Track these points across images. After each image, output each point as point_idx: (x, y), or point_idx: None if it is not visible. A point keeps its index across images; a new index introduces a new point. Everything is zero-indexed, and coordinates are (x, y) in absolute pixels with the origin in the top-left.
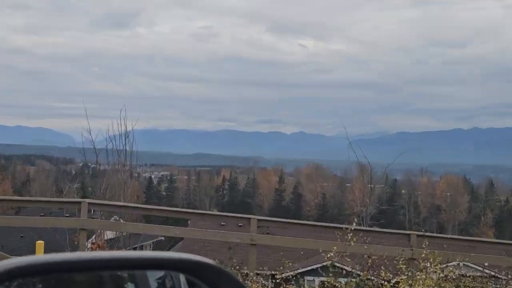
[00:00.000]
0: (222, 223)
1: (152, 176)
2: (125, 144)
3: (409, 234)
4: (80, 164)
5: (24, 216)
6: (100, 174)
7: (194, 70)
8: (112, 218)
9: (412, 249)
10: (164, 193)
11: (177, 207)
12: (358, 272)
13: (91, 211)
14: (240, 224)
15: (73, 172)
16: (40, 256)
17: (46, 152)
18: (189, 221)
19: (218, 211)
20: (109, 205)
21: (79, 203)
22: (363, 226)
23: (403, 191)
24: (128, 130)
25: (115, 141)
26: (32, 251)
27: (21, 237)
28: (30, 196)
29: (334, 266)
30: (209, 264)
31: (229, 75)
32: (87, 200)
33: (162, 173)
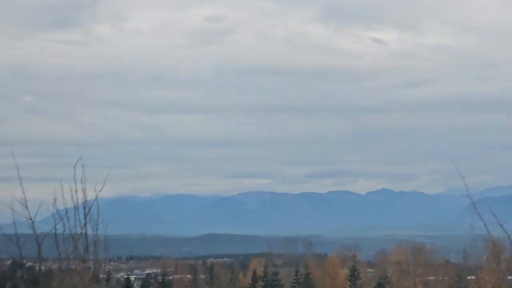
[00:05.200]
0: None
1: (132, 277)
2: (85, 225)
3: None
4: (7, 262)
5: None
6: (45, 277)
7: (194, 93)
8: None
9: None
10: None
11: None
12: None
13: None
14: None
15: None
16: None
17: None
18: None
19: None
20: None
21: None
22: None
23: None
24: (88, 200)
25: (67, 220)
26: None
27: None
28: None
29: None
30: None
31: (252, 98)
32: None
33: (148, 270)
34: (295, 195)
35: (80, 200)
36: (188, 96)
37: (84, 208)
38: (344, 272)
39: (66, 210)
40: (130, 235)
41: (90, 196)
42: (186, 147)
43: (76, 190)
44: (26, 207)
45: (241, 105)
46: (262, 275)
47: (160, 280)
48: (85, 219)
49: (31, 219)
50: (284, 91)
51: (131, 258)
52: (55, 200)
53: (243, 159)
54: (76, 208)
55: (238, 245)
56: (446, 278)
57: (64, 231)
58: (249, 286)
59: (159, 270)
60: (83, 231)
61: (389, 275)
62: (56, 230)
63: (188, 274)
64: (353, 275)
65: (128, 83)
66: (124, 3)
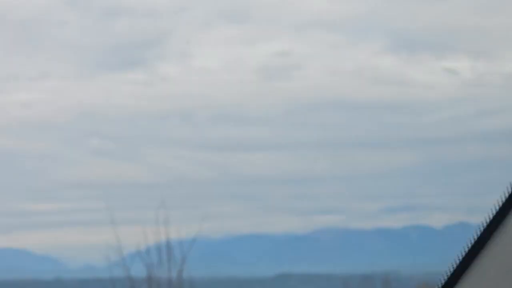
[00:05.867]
0: None
1: None
2: (169, 268)
3: None
4: None
5: None
6: None
7: (263, 130)
8: None
9: None
10: None
11: None
12: None
13: None
14: None
15: None
16: None
17: None
18: None
19: None
20: None
21: None
22: None
23: None
24: (170, 242)
25: (154, 266)
26: None
27: None
28: None
29: None
30: None
31: (322, 133)
32: None
33: None
34: (370, 230)
35: (163, 243)
36: (257, 133)
37: (168, 252)
38: None
39: (148, 253)
40: (202, 278)
41: (162, 238)
42: (255, 185)
43: (158, 233)
44: (122, 255)
45: (311, 141)
46: None
47: None
48: (169, 263)
49: (125, 265)
50: (355, 125)
51: None
52: (134, 244)
53: (314, 195)
54: (159, 250)
55: (313, 284)
56: None
57: (150, 273)
58: None
59: None
60: (169, 275)
61: None
62: (150, 275)
63: None
64: None
65: (195, 122)
66: (191, 41)
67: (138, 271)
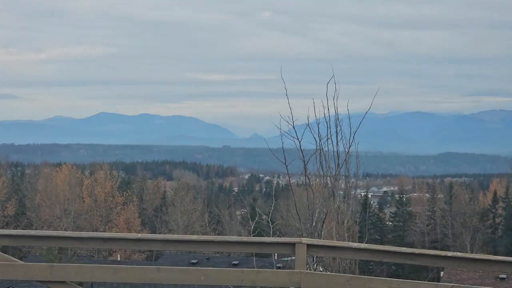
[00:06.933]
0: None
1: (370, 195)
2: (337, 142)
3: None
4: (246, 176)
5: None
6: (281, 194)
7: (433, 8)
8: None
9: None
10: (389, 222)
11: (412, 246)
12: None
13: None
14: None
15: (235, 189)
16: None
17: (189, 157)
18: None
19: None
20: (344, 249)
21: (292, 244)
22: None
23: None
24: (339, 116)
25: (319, 136)
26: None
27: None
28: (168, 232)
29: None
30: None
31: (495, 13)
32: (305, 241)
33: (385, 188)
34: None
35: (332, 116)
36: (427, 11)
37: (336, 126)
38: None
39: (318, 126)
40: (366, 152)
41: (331, 111)
42: (424, 64)
43: (328, 106)
44: (293, 127)
45: (482, 21)
46: (503, 196)
47: (398, 198)
48: (336, 137)
49: (297, 139)
50: None
51: (367, 175)
52: (307, 116)
53: (484, 76)
54: (328, 124)
55: (477, 165)
56: None
57: (318, 147)
58: (489, 207)
59: (396, 188)
60: (337, 148)
61: None
62: (321, 148)
63: (426, 193)
64: None
65: None
66: None
67: (307, 144)
